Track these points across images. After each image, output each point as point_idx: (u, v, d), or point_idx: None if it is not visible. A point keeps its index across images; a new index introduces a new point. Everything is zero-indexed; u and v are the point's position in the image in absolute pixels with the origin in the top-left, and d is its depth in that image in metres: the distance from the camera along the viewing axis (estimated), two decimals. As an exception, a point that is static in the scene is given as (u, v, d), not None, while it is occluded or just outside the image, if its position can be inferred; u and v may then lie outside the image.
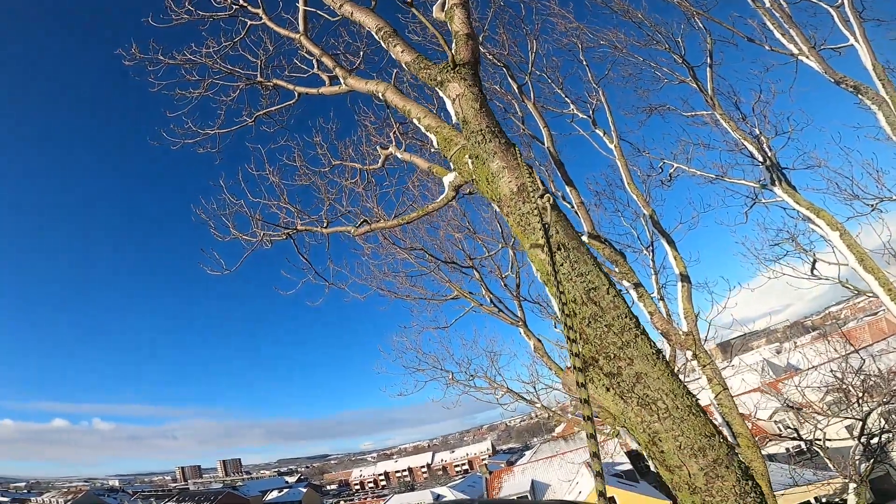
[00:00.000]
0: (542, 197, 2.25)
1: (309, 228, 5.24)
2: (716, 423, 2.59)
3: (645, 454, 2.30)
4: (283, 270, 7.15)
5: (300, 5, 5.21)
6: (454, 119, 3.07)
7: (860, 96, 6.21)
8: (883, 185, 8.15)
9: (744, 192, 8.52)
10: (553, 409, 11.34)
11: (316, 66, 5.42)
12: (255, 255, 5.89)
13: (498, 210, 2.62)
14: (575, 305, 2.31)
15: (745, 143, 7.36)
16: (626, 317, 2.35)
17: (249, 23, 5.86)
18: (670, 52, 8.88)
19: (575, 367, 1.43)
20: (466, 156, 2.86)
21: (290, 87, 5.66)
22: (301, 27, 5.21)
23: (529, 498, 29.03)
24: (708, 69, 8.44)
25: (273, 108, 6.25)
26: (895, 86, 6.13)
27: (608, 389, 2.34)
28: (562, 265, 2.29)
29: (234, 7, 5.85)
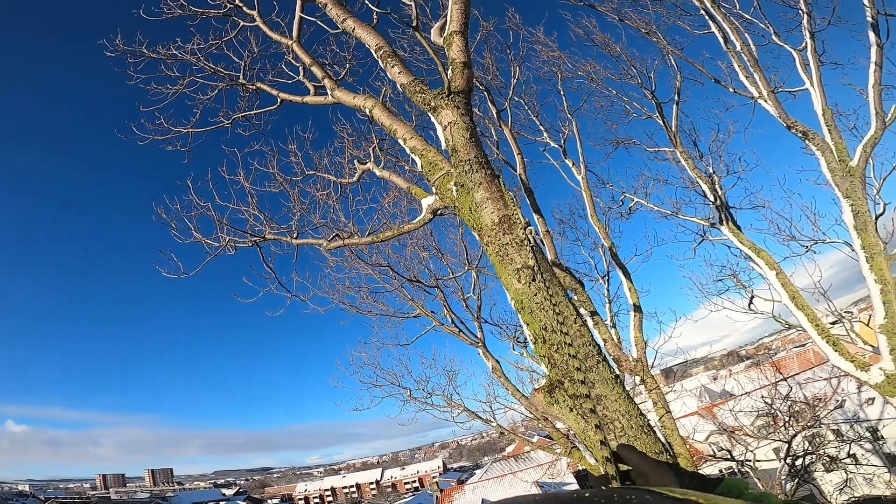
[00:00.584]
0: (525, 229, 2.42)
1: (278, 238, 5.14)
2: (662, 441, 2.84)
3: (601, 469, 2.49)
4: (244, 278, 6.94)
5: (297, 12, 5.16)
6: (443, 146, 3.19)
7: (807, 141, 6.60)
8: (818, 228, 9.02)
9: (694, 229, 9.11)
10: (508, 429, 11.56)
11: (302, 73, 5.37)
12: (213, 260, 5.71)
13: (478, 238, 2.76)
14: (546, 333, 2.49)
15: (700, 181, 7.94)
16: (589, 344, 2.56)
17: (242, 23, 5.77)
18: (642, 86, 9.36)
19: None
20: (451, 182, 2.99)
21: (274, 92, 5.57)
22: (294, 34, 5.17)
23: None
24: (675, 106, 8.88)
25: (252, 112, 6.13)
26: (841, 132, 6.74)
27: (571, 410, 2.54)
28: (535, 295, 2.46)
29: (229, 6, 5.75)
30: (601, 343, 6.60)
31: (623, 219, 9.54)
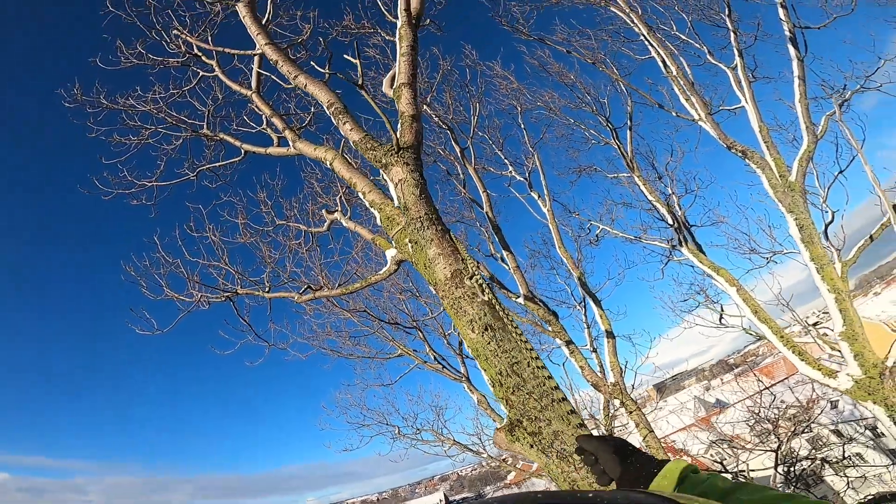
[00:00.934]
0: (472, 279, 2.57)
1: (251, 292, 5.16)
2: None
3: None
4: (220, 331, 6.79)
5: (254, 67, 5.19)
6: (396, 203, 3.34)
7: (747, 160, 6.80)
8: (775, 240, 9.42)
9: (660, 251, 9.34)
10: (500, 459, 11.44)
11: (265, 123, 5.40)
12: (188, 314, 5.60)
13: (434, 292, 2.90)
14: (501, 377, 2.62)
15: (658, 205, 8.27)
16: (544, 385, 2.69)
17: (202, 73, 5.76)
18: (597, 113, 9.72)
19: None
20: (407, 238, 3.14)
21: (237, 143, 5.58)
22: (254, 85, 5.20)
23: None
24: (628, 131, 9.20)
25: (217, 164, 6.07)
26: (778, 148, 7.01)
27: (532, 446, 2.66)
28: (489, 343, 2.60)
29: (188, 55, 5.71)
30: (578, 369, 6.72)
31: (593, 245, 9.82)
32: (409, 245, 3.07)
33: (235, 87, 5.36)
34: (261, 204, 6.82)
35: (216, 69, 5.52)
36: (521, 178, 9.37)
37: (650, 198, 8.23)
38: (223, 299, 5.28)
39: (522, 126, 10.03)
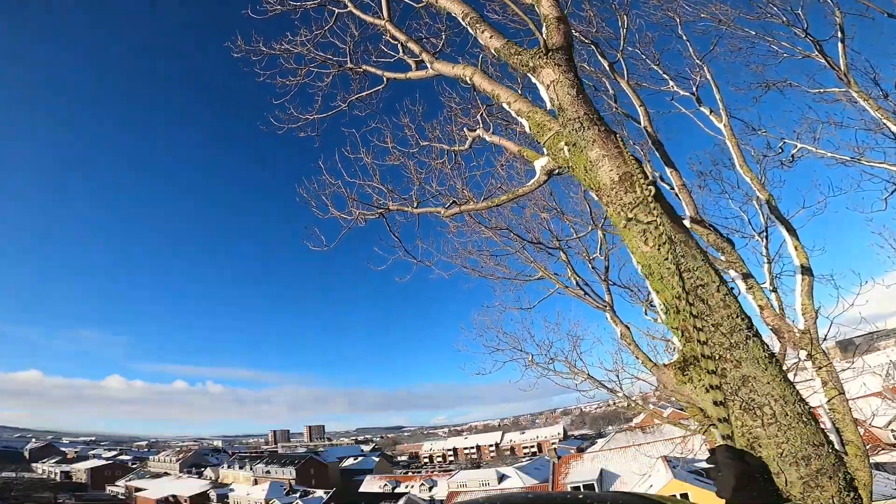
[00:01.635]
0: (649, 186, 2.13)
1: (401, 208, 5.44)
2: (825, 430, 2.35)
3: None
4: (375, 247, 7.53)
5: None
6: (549, 105, 2.98)
7: None
8: None
9: (884, 176, 7.42)
10: (635, 400, 10.85)
11: (401, 50, 5.50)
12: (348, 232, 6.27)
13: (597, 199, 2.52)
14: (679, 302, 2.20)
15: (887, 122, 6.28)
16: (736, 317, 2.22)
17: (336, 11, 6.07)
18: (789, 25, 7.90)
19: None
20: (562, 142, 2.77)
21: (379, 72, 5.84)
22: (385, 13, 5.34)
23: (596, 487, 28.24)
24: (840, 44, 7.44)
25: (364, 94, 6.46)
26: None
27: (708, 390, 2.24)
28: (666, 259, 2.18)
29: None
30: (755, 308, 5.68)
31: (784, 167, 7.94)
32: (566, 148, 2.70)
33: (368, 18, 5.55)
34: (405, 128, 7.04)
35: (348, 4, 5.76)
36: (687, 93, 7.83)
37: (875, 114, 6.26)
38: (377, 216, 5.69)
39: (685, 37, 8.31)
